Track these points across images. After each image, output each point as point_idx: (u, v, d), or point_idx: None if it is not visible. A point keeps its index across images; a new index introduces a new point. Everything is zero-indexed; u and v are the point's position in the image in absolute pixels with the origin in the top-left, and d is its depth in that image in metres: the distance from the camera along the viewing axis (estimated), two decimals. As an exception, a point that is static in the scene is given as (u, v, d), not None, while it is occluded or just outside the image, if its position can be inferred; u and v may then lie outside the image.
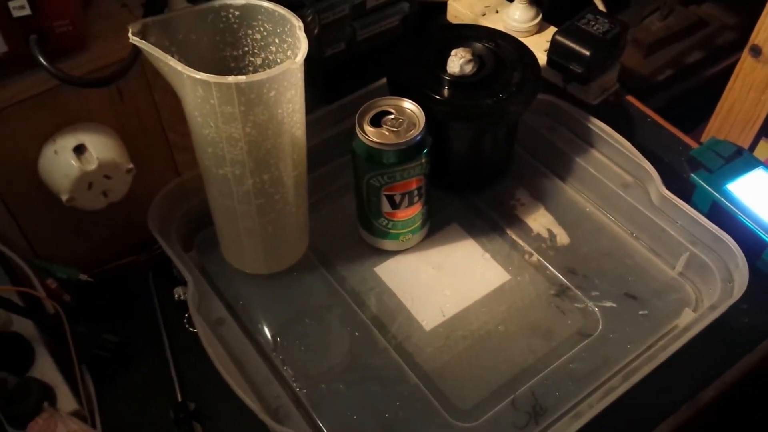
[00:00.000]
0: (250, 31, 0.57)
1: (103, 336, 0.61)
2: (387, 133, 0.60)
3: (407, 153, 0.60)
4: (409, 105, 0.62)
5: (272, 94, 0.51)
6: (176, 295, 0.65)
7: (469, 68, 0.65)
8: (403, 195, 0.63)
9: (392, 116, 0.61)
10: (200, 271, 0.65)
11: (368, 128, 0.60)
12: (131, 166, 0.59)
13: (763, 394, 0.70)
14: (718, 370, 0.62)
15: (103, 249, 0.66)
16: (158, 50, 0.50)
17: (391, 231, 0.66)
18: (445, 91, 0.65)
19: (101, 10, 0.59)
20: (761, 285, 0.65)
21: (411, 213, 0.65)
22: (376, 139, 0.59)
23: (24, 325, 0.59)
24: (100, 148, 0.57)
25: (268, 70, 0.50)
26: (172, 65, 0.50)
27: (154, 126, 0.63)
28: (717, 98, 1.01)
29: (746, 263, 0.61)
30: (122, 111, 0.60)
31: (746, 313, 0.65)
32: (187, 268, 0.61)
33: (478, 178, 0.73)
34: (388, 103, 0.62)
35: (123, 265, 0.67)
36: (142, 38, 0.51)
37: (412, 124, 0.60)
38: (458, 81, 0.65)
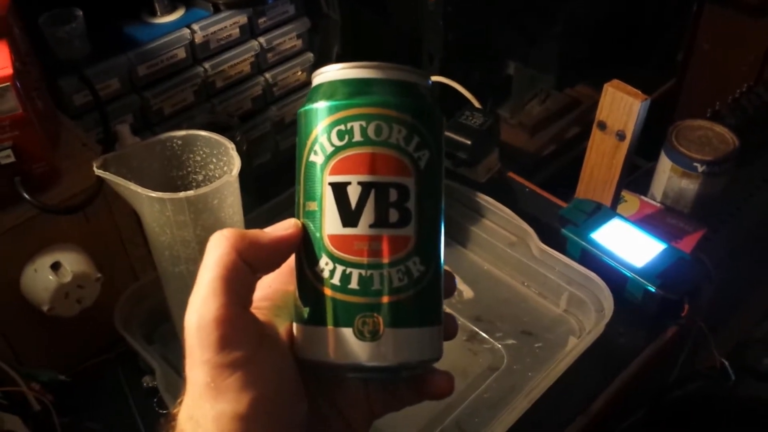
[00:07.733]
0: (191, 155, 0.70)
1: (86, 425, 0.71)
2: None
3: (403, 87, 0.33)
4: None
5: (215, 202, 0.64)
6: (144, 383, 0.75)
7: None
8: (368, 188, 0.33)
9: None
10: (164, 360, 0.75)
11: None
12: (99, 275, 0.71)
13: (641, 399, 0.84)
14: (604, 384, 0.76)
15: (77, 350, 0.76)
16: (119, 178, 0.63)
17: (339, 297, 0.34)
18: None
19: (66, 150, 0.72)
20: (629, 311, 0.80)
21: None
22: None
23: (14, 424, 0.68)
24: (73, 262, 0.69)
25: (210, 185, 0.63)
26: (132, 189, 0.62)
27: (115, 240, 0.75)
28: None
29: (611, 293, 0.76)
30: (89, 230, 0.71)
31: (622, 336, 0.80)
32: (153, 357, 0.72)
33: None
34: None
35: (95, 364, 0.77)
36: (105, 170, 0.64)
37: None
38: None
